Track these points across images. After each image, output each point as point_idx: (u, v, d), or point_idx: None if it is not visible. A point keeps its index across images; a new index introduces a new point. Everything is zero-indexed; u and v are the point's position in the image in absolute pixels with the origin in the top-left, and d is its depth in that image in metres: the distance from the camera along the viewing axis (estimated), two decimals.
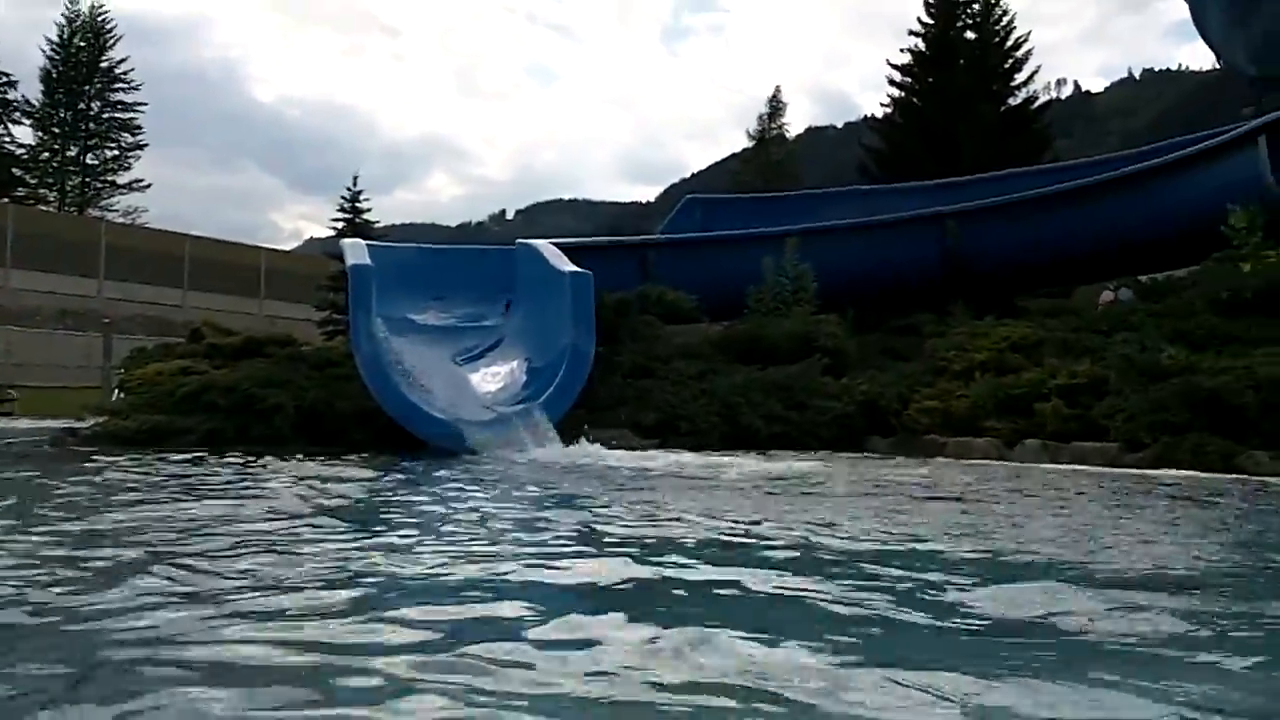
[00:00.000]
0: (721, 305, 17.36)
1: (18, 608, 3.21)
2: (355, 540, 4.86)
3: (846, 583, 3.80)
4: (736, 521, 5.62)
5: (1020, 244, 18.33)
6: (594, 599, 3.60)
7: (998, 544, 5.00)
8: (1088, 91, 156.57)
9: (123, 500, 6.39)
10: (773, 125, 52.90)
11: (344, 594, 3.48)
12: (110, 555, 4.21)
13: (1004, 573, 4.16)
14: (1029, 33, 39.48)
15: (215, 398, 12.10)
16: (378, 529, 5.33)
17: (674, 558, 4.31)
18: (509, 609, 3.23)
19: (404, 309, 15.04)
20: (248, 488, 7.34)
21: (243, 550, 4.36)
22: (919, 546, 4.84)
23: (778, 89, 57.52)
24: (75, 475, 7.97)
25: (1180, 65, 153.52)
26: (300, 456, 10.10)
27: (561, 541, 4.97)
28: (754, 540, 5.00)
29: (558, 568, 4.10)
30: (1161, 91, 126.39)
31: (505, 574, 3.91)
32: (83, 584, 3.60)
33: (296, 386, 12.50)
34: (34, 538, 4.63)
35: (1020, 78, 38.71)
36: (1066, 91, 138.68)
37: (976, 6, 39.26)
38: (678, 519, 5.79)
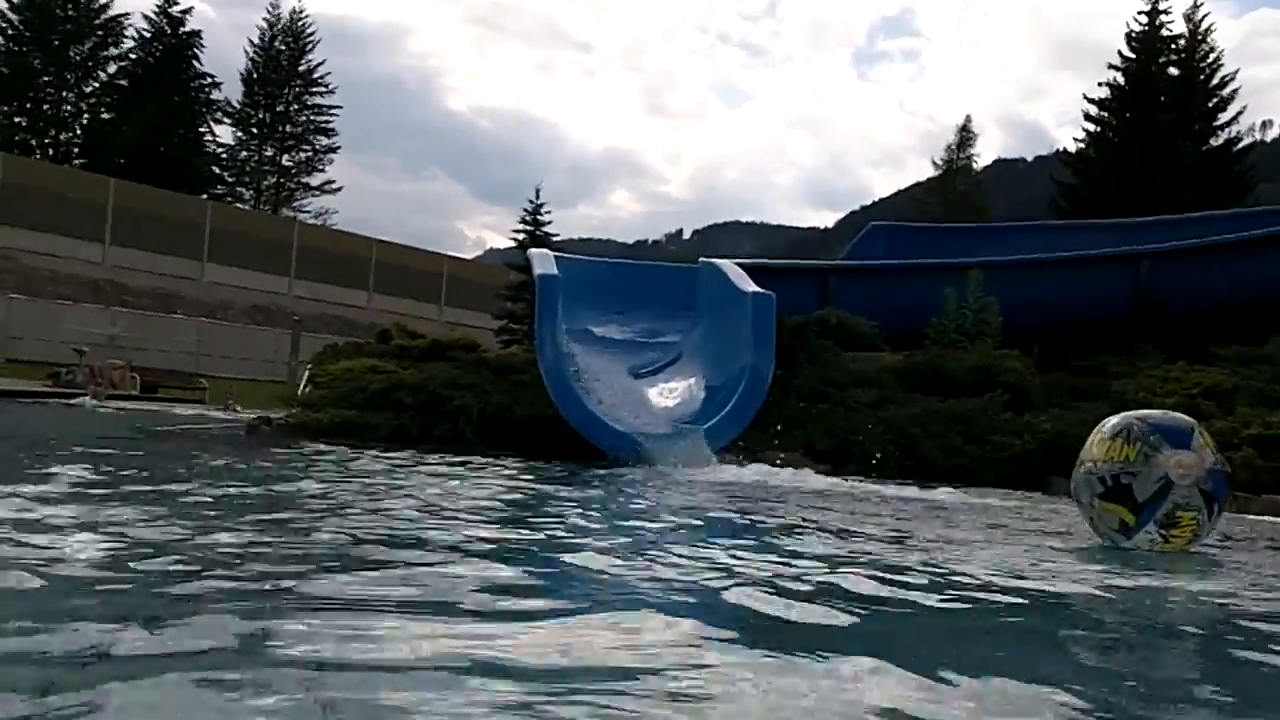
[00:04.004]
0: (901, 334, 17.05)
1: None
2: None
3: None
4: None
5: (1217, 288, 17.54)
6: None
7: None
8: None
9: None
10: (961, 155, 52.22)
11: None
12: None
13: None
14: (1236, 70, 38.01)
15: (403, 396, 12.48)
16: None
17: None
18: None
19: (585, 320, 15.24)
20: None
21: None
22: None
23: (968, 118, 56.93)
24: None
25: None
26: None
27: None
28: None
29: None
30: None
31: None
32: None
33: (480, 390, 12.79)
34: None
35: (1224, 117, 37.38)
36: (1273, 134, 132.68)
37: (1182, 41, 37.98)
38: None
